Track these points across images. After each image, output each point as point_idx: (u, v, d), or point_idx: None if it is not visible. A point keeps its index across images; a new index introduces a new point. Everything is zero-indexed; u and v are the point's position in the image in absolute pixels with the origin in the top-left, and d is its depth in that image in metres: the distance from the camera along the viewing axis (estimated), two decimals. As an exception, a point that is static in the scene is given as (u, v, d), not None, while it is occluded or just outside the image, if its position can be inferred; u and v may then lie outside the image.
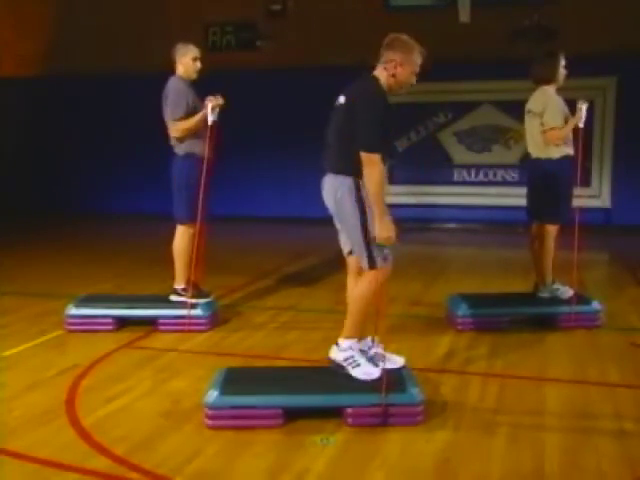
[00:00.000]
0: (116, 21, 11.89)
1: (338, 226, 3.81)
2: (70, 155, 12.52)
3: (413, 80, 3.68)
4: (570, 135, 5.25)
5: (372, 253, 3.59)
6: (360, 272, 3.75)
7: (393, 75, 3.62)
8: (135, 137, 11.01)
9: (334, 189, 3.62)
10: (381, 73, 3.64)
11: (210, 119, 5.10)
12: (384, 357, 3.75)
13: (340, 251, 3.91)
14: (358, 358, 3.70)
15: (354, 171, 3.52)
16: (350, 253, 3.82)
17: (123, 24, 11.84)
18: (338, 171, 3.60)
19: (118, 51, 11.72)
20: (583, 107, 5.18)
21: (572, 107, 5.27)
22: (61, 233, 10.88)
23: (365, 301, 3.68)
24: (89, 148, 12.25)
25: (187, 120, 5.17)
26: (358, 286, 3.72)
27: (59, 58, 12.08)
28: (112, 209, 11.98)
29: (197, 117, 5.16)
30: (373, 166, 3.47)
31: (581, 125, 5.21)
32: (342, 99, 3.65)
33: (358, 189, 3.54)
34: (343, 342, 3.74)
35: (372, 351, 3.84)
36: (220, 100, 5.16)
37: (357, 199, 3.54)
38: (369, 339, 3.92)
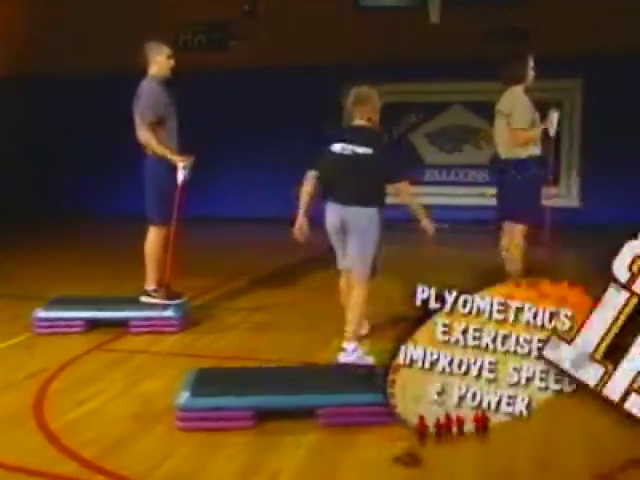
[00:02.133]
0: (89, 21, 11.75)
1: (337, 245, 4.54)
2: (63, 155, 12.33)
3: None
4: (539, 137, 5.32)
5: (374, 264, 4.50)
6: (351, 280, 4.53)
7: (370, 119, 4.59)
8: (131, 137, 10.76)
9: (360, 214, 4.40)
10: (369, 121, 4.59)
11: (180, 178, 5.11)
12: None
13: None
14: (362, 354, 4.35)
15: (375, 204, 4.46)
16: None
17: (96, 24, 11.71)
18: (366, 204, 4.42)
19: (92, 51, 11.59)
20: (555, 115, 5.27)
21: (540, 108, 5.34)
22: (51, 234, 10.71)
23: (363, 306, 4.45)
24: (84, 148, 12.10)
25: (159, 146, 5.14)
26: (355, 296, 4.43)
27: (36, 59, 11.89)
28: (111, 209, 11.78)
29: (167, 153, 5.12)
30: (408, 184, 4.56)
31: (552, 133, 5.29)
32: (360, 150, 4.44)
33: (378, 218, 4.47)
34: (349, 345, 4.36)
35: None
36: (191, 159, 5.17)
37: (377, 226, 4.46)
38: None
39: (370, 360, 4.24)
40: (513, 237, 5.38)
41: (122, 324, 5.16)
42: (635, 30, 9.73)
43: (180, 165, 5.11)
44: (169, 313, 5.19)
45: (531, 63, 5.31)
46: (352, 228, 4.44)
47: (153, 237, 5.32)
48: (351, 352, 4.33)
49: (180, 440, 3.33)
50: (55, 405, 3.77)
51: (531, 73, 5.32)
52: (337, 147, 4.52)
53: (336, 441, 3.32)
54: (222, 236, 10.43)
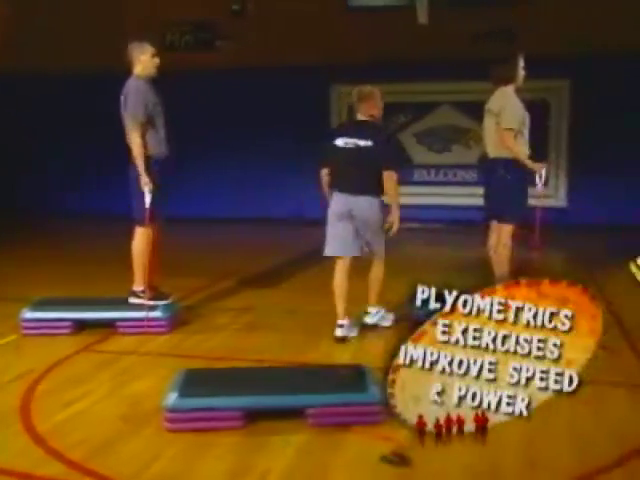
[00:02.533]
0: (71, 20, 11.66)
1: (342, 230, 4.90)
2: (40, 155, 12.27)
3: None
4: (526, 136, 5.33)
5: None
6: (348, 270, 4.99)
7: (372, 115, 4.98)
8: (114, 136, 10.65)
9: (367, 205, 4.83)
10: (371, 117, 4.98)
11: (147, 201, 5.11)
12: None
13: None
14: (384, 314, 5.15)
15: (378, 192, 4.88)
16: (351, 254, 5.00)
17: (79, 23, 11.63)
18: (371, 194, 4.84)
19: (77, 50, 11.51)
20: (543, 170, 5.35)
21: (529, 108, 5.36)
22: (40, 234, 10.65)
23: (383, 279, 5.07)
24: (67, 147, 12.03)
25: (141, 159, 5.10)
26: (376, 271, 5.06)
27: (11, 57, 11.80)
28: (100, 209, 11.68)
29: (142, 169, 5.09)
30: (394, 175, 4.84)
31: (539, 187, 5.43)
32: (362, 142, 4.84)
33: (381, 205, 4.93)
34: (373, 309, 5.12)
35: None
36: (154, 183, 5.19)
37: (382, 212, 4.92)
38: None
39: (392, 317, 5.10)
40: (500, 237, 5.39)
41: (110, 325, 5.13)
42: (623, 31, 9.79)
43: (146, 189, 5.10)
44: (157, 314, 5.16)
45: (521, 63, 5.33)
46: (360, 218, 4.88)
47: (140, 238, 5.29)
48: (375, 314, 5.11)
49: (169, 441, 3.31)
50: (42, 406, 3.74)
51: (522, 73, 5.34)
52: (340, 141, 4.92)
53: (325, 441, 3.32)
54: (211, 236, 10.41)
